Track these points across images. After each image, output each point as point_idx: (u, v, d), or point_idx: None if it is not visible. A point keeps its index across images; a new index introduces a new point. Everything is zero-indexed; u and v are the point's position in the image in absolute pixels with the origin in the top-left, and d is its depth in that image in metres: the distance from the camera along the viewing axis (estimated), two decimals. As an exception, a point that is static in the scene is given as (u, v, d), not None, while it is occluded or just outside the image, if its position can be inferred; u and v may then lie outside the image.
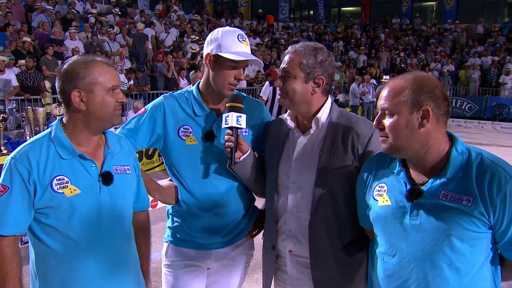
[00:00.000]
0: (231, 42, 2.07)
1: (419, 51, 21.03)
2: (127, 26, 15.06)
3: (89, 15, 14.96)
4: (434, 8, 28.26)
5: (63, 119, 1.84)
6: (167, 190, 2.24)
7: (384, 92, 1.64)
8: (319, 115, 1.99)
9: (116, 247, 1.85)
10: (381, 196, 1.70)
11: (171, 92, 2.32)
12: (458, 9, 25.16)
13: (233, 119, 1.99)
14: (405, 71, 16.53)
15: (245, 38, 2.12)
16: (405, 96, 1.58)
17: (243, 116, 2.02)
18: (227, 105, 2.05)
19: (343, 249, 1.97)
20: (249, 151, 2.09)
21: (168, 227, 2.33)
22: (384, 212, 1.68)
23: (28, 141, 1.79)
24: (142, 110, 2.23)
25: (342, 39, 22.23)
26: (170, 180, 2.28)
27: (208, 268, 2.31)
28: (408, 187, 1.64)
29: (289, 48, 2.03)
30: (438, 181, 1.58)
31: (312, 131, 2.01)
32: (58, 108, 7.94)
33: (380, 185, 1.73)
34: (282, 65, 2.00)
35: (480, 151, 1.61)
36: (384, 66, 19.68)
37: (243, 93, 2.28)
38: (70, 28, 12.61)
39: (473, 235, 1.53)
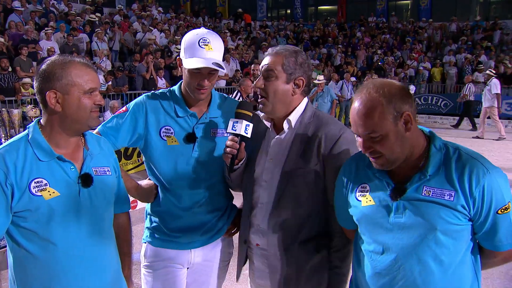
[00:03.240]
0: (192, 48, 2.04)
1: (395, 49, 21.33)
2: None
3: (68, 16, 14.76)
4: (409, 7, 28.70)
5: (41, 121, 1.80)
6: (145, 189, 2.24)
7: (359, 119, 1.59)
8: (291, 116, 2.01)
9: (96, 250, 1.83)
10: (364, 197, 1.72)
11: (153, 91, 2.30)
12: (433, 7, 25.65)
13: (242, 127, 1.97)
14: (382, 69, 16.83)
15: (208, 42, 2.04)
16: (383, 113, 1.55)
17: (251, 126, 2.00)
18: (236, 110, 2.02)
19: (300, 246, 2.01)
20: (244, 158, 2.10)
21: (147, 227, 2.32)
22: (368, 212, 1.70)
23: (5, 144, 1.75)
24: (124, 108, 2.20)
25: (319, 37, 22.38)
26: (149, 179, 2.28)
27: (187, 268, 2.31)
28: (391, 186, 1.66)
29: (269, 50, 2.04)
30: (419, 178, 1.61)
31: (285, 131, 2.03)
32: (34, 110, 7.79)
33: (362, 185, 1.74)
34: (264, 65, 1.99)
35: (457, 146, 1.65)
36: (361, 64, 19.90)
37: (225, 94, 2.29)
38: (46, 28, 12.39)
39: (456, 228, 1.57)
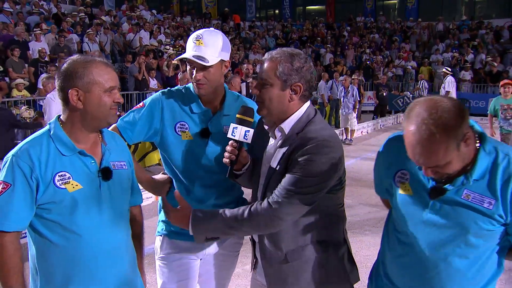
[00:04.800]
0: (188, 44, 2.19)
1: (383, 48, 21.58)
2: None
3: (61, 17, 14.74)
4: (397, 6, 29.01)
5: (61, 117, 1.88)
6: (159, 182, 2.33)
7: (420, 156, 1.49)
8: (284, 123, 1.96)
9: (116, 240, 1.91)
10: (403, 184, 1.71)
11: (169, 88, 2.40)
12: (419, 7, 25.97)
13: (241, 133, 1.99)
14: (370, 68, 17.18)
15: (200, 38, 2.14)
16: (447, 148, 1.45)
17: (251, 131, 2.01)
18: (237, 116, 2.04)
19: (287, 253, 1.98)
20: (249, 163, 2.11)
21: (162, 220, 2.40)
22: (404, 201, 1.71)
23: (28, 139, 1.82)
24: (141, 104, 2.29)
25: (308, 37, 22.54)
26: (164, 173, 2.36)
27: (200, 259, 2.40)
28: (431, 183, 1.63)
29: (266, 55, 2.00)
30: (462, 181, 1.57)
31: (277, 137, 2.00)
32: (28, 111, 7.78)
33: (402, 171, 1.72)
34: (259, 73, 2.00)
35: (507, 151, 1.58)
36: (350, 64, 20.10)
37: (237, 93, 2.38)
38: (35, 29, 12.36)
39: (488, 232, 1.57)
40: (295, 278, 1.99)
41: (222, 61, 2.20)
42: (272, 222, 1.84)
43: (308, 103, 2.02)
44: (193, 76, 2.17)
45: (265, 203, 1.86)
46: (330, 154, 1.84)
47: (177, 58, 2.19)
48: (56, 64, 10.58)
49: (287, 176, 1.86)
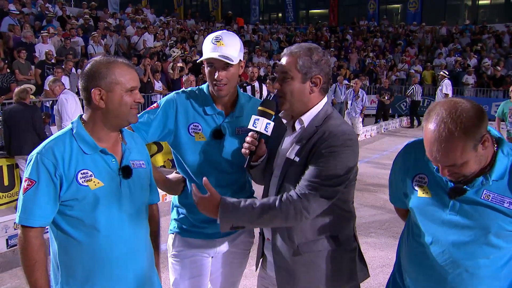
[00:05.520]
0: (206, 46, 2.22)
1: (387, 52, 21.63)
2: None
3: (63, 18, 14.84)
4: (400, 11, 29.07)
5: (83, 116, 1.93)
6: (173, 182, 2.38)
7: (438, 153, 1.53)
8: (304, 116, 2.03)
9: (136, 237, 1.96)
10: (421, 188, 1.74)
11: (183, 89, 2.44)
12: (423, 11, 26.03)
13: (262, 125, 2.05)
14: (373, 72, 17.34)
15: (220, 39, 2.18)
16: (465, 147, 1.49)
17: (272, 124, 2.07)
18: (259, 108, 2.10)
19: (299, 245, 2.02)
20: (265, 155, 2.17)
21: (174, 219, 2.45)
22: (423, 203, 1.73)
23: (51, 138, 1.88)
24: (155, 105, 2.34)
25: (312, 41, 22.61)
26: (177, 172, 2.41)
27: (212, 257, 2.44)
28: (451, 184, 1.66)
29: (285, 51, 2.07)
30: (482, 182, 1.59)
31: (297, 130, 2.07)
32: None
33: (420, 175, 1.76)
34: (279, 68, 2.06)
35: None
36: (354, 67, 20.15)
37: (250, 95, 2.41)
38: (42, 31, 12.44)
39: (510, 233, 1.60)
40: (305, 271, 2.04)
41: (240, 61, 2.25)
42: (301, 214, 1.88)
43: (325, 99, 2.09)
44: (215, 77, 2.19)
45: (294, 194, 1.90)
46: (352, 148, 1.92)
47: (200, 59, 2.20)
48: (63, 66, 10.66)
49: (311, 168, 1.92)
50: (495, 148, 1.62)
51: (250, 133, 2.09)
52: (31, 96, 8.05)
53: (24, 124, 6.79)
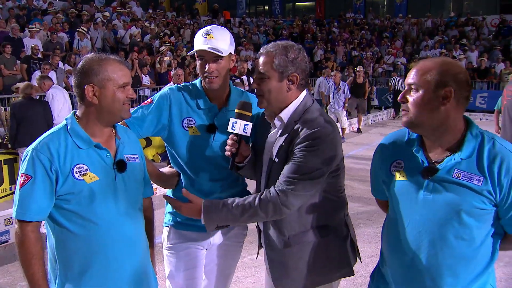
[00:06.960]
0: (197, 40, 2.27)
1: (373, 44, 21.76)
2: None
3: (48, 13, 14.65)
4: (385, 3, 29.22)
5: (77, 113, 1.97)
6: (167, 175, 2.42)
7: (413, 71, 1.75)
8: (282, 113, 2.08)
9: (132, 229, 2.01)
10: (398, 172, 1.84)
11: (176, 84, 2.48)
12: (408, 4, 26.21)
13: (240, 127, 2.12)
14: (360, 64, 17.51)
15: (210, 32, 2.23)
16: (432, 75, 1.69)
17: (250, 125, 2.14)
18: (235, 111, 2.17)
19: (290, 237, 2.09)
20: (250, 155, 2.24)
21: (169, 212, 2.49)
22: (400, 186, 1.83)
23: (46, 134, 1.91)
24: (149, 100, 2.38)
25: (298, 33, 22.65)
26: (171, 167, 2.45)
27: (206, 249, 2.49)
28: (425, 164, 1.77)
29: (261, 50, 2.11)
30: (452, 161, 1.71)
31: (277, 126, 2.12)
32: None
33: (397, 161, 1.87)
34: (256, 68, 2.10)
35: (492, 136, 1.73)
36: (341, 60, 20.24)
37: (242, 89, 2.46)
38: (29, 26, 12.30)
39: (480, 212, 1.68)
40: (296, 262, 2.09)
41: (230, 54, 2.29)
42: (280, 210, 1.95)
43: (305, 93, 2.13)
44: (205, 69, 2.24)
45: (273, 191, 1.96)
46: (328, 140, 1.95)
47: (191, 52, 2.25)
48: (49, 61, 10.56)
49: (289, 164, 1.97)
50: (464, 129, 1.75)
51: (230, 136, 2.15)
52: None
53: (34, 117, 7.07)
